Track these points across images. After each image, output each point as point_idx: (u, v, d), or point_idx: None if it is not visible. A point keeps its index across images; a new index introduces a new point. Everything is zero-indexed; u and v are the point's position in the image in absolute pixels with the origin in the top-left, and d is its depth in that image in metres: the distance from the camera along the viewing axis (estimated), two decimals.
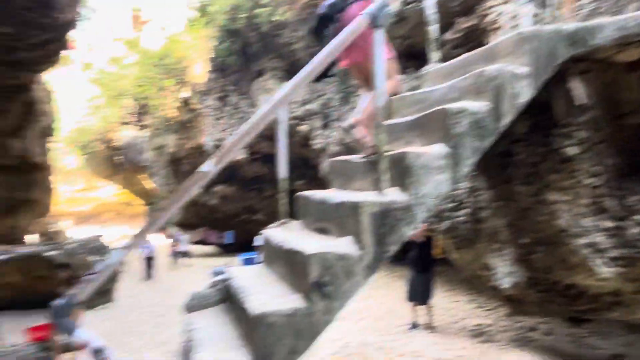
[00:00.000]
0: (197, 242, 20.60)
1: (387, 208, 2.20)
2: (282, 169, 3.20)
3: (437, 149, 2.35)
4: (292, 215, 3.33)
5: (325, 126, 11.13)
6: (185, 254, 17.40)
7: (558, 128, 2.78)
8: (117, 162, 26.85)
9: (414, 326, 7.04)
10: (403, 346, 6.22)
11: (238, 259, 14.12)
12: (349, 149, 10.23)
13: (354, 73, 3.29)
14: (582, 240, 2.80)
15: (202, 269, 14.73)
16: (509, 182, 3.05)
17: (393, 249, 2.23)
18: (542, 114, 2.81)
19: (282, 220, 3.17)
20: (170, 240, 17.93)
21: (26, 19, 10.98)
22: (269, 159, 15.59)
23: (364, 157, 2.74)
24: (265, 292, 2.37)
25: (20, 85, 15.00)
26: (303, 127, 11.68)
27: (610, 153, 2.71)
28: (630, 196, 2.68)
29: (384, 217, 2.20)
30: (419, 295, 7.12)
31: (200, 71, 16.43)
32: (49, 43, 12.39)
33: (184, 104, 18.27)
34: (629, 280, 2.80)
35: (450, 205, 4.07)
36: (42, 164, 19.40)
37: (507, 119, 2.48)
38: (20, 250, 10.57)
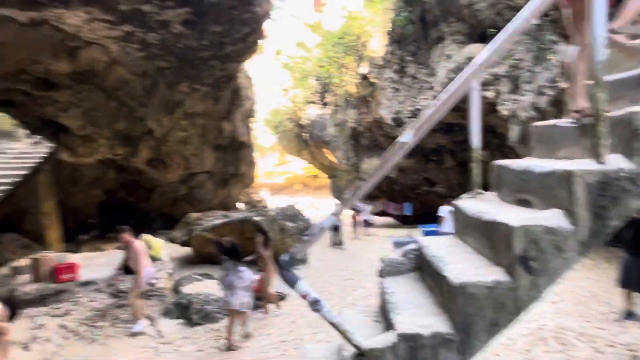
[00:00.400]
0: (375, 214, 21.33)
1: (609, 177, 1.94)
2: (475, 138, 3.07)
3: None
4: (484, 186, 3.19)
5: (514, 90, 10.17)
6: (369, 224, 17.81)
7: None
8: (304, 139, 29.35)
9: (629, 315, 6.08)
10: (612, 336, 5.45)
11: (420, 230, 14.19)
12: (543, 113, 9.17)
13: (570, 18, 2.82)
14: None
15: (382, 239, 15.26)
16: None
17: (614, 224, 1.97)
18: None
19: (476, 191, 3.06)
20: (352, 211, 18.71)
21: (232, 16, 12.66)
22: (450, 128, 15.06)
23: (576, 120, 2.43)
24: (462, 262, 2.36)
25: (229, 75, 17.45)
26: (488, 93, 10.90)
27: None
28: None
29: (604, 188, 1.94)
30: (635, 281, 6.09)
31: (378, 45, 16.62)
32: (249, 35, 14.08)
33: (362, 79, 18.82)
34: None
35: None
36: (247, 142, 22.46)
37: None
38: (235, 215, 12.53)
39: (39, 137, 16.43)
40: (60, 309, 6.74)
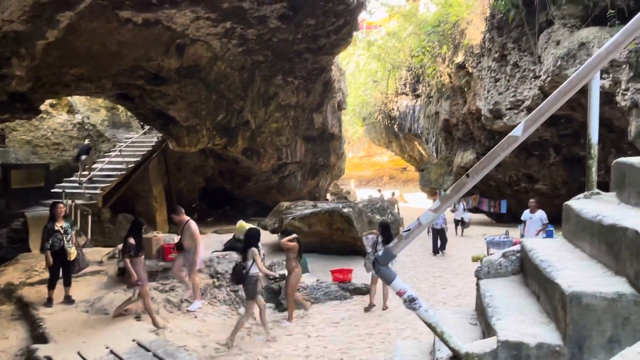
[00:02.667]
0: (469, 210, 20.40)
1: None
2: (594, 132, 2.77)
3: None
4: (601, 186, 2.88)
5: (635, 78, 9.04)
6: (464, 223, 15.87)
7: None
8: (394, 131, 28.90)
9: None
10: None
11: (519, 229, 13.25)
12: None
13: None
14: None
15: (474, 237, 14.57)
16: None
17: None
18: None
19: (593, 191, 2.78)
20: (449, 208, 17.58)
21: (326, 9, 12.79)
22: (555, 121, 13.86)
23: None
24: (575, 269, 2.15)
25: (321, 68, 17.72)
26: (604, 82, 9.82)
27: None
28: None
29: None
30: None
31: (475, 33, 15.76)
32: (343, 27, 14.14)
33: (458, 68, 18.00)
34: None
35: None
36: (337, 133, 22.69)
37: None
38: (323, 205, 12.75)
39: (150, 127, 18.10)
40: (167, 284, 7.38)
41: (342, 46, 16.03)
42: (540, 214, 9.08)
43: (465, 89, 17.68)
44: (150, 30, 11.79)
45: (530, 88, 12.80)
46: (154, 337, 5.61)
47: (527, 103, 13.07)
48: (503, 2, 13.58)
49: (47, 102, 15.72)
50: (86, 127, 18.12)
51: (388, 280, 2.00)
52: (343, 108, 23.64)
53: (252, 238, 6.59)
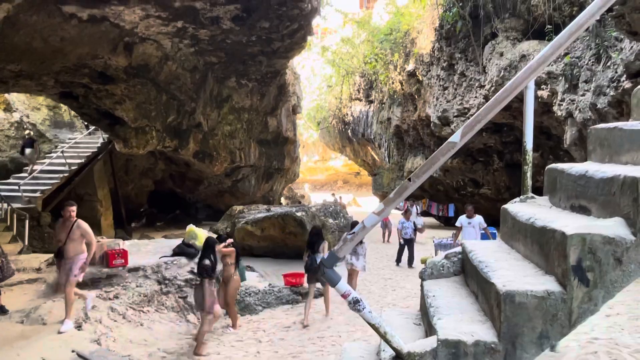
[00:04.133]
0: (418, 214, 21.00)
1: None
2: (529, 139, 2.94)
3: None
4: (534, 190, 3.06)
5: (570, 90, 9.66)
6: (417, 229, 13.70)
7: None
8: (348, 135, 29.27)
9: None
10: None
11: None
12: (602, 115, 8.66)
13: None
14: None
15: (423, 240, 14.99)
16: None
17: None
18: None
19: (527, 195, 2.93)
20: (400, 211, 16.43)
21: (280, 13, 12.77)
22: (498, 129, 14.55)
23: None
24: (510, 269, 2.26)
25: (276, 71, 17.66)
26: (543, 92, 10.43)
27: None
28: None
29: None
30: None
31: (425, 42, 16.28)
32: (297, 32, 14.16)
33: (409, 76, 18.51)
34: None
35: None
36: (291, 137, 22.68)
37: None
38: (277, 209, 12.69)
39: (95, 128, 17.32)
40: (111, 292, 7.07)
41: (297, 50, 16.05)
42: (479, 219, 9.17)
43: (416, 96, 18.21)
44: (97, 27, 11.31)
45: (475, 97, 13.38)
46: (96, 347, 5.34)
47: (472, 111, 13.65)
48: (451, 14, 14.13)
49: None
50: (25, 126, 17.08)
51: (333, 282, 2.02)
52: (298, 112, 23.69)
53: (210, 246, 6.37)
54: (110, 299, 6.93)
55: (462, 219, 9.43)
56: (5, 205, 11.89)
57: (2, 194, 12.99)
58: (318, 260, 6.30)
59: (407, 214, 12.39)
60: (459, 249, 3.03)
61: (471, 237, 8.75)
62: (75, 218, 6.46)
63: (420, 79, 17.31)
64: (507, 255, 2.59)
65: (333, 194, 26.27)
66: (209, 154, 18.18)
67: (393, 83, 20.38)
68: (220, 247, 6.73)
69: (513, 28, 12.24)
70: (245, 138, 19.63)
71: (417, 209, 14.86)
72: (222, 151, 18.52)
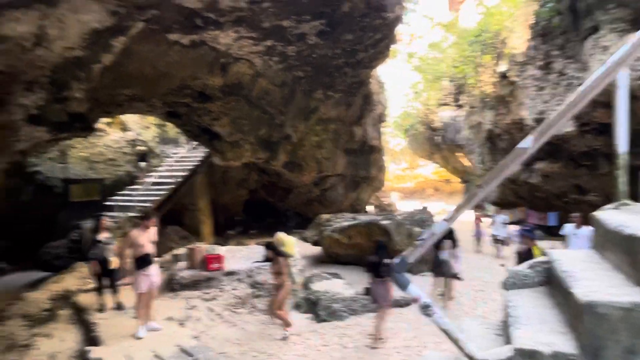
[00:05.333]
0: (514, 223, 19.75)
1: None
2: (622, 141, 2.75)
3: None
4: (634, 196, 2.84)
5: None
6: (501, 242, 13.37)
7: None
8: (436, 142, 28.51)
9: None
10: None
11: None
12: None
13: None
14: None
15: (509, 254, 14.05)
16: None
17: None
18: None
19: (621, 202, 2.74)
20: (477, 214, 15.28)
21: (364, 24, 12.98)
22: (605, 129, 13.24)
23: None
24: (595, 279, 2.15)
25: (360, 81, 17.87)
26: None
27: None
28: None
29: None
30: None
31: (518, 41, 15.43)
32: (381, 41, 14.27)
33: (501, 78, 17.63)
34: None
35: None
36: (377, 146, 22.70)
37: None
38: (362, 218, 12.80)
39: (196, 143, 18.88)
40: (209, 294, 7.68)
41: (381, 60, 16.13)
42: (588, 230, 8.30)
43: (509, 99, 17.26)
44: (197, 51, 12.41)
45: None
46: (196, 343, 5.86)
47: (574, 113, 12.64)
48: (547, 9, 13.26)
49: (103, 120, 16.82)
50: (138, 143, 19.15)
51: (403, 286, 2.08)
52: (383, 120, 23.65)
53: (383, 247, 7.13)
54: (208, 300, 7.53)
55: (568, 228, 8.73)
56: (121, 214, 13.42)
57: (119, 204, 14.67)
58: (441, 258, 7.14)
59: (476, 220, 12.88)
60: (544, 258, 2.90)
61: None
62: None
63: (514, 80, 16.40)
64: (596, 265, 2.45)
65: (423, 205, 25.64)
66: (297, 164, 18.85)
67: (484, 86, 19.54)
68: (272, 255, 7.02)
69: (619, 19, 11.15)
70: (332, 148, 20.03)
71: (503, 219, 13.39)
72: (310, 161, 19.10)
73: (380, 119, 23.15)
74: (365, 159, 22.42)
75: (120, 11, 9.28)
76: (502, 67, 17.23)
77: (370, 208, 28.92)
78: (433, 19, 24.92)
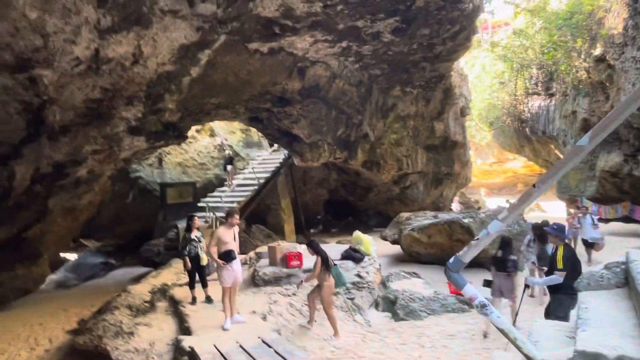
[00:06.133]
0: (614, 220, 17.97)
1: None
2: None
3: None
4: None
5: None
6: (590, 245, 11.40)
7: None
8: (525, 134, 26.80)
9: None
10: None
11: None
12: None
13: None
14: None
15: (616, 249, 12.77)
16: None
17: None
18: None
19: None
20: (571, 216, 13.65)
21: (439, 17, 12.67)
22: None
23: None
24: None
25: (440, 75, 17.42)
26: None
27: None
28: None
29: None
30: None
31: (616, 21, 14.05)
32: (459, 33, 13.82)
33: (597, 62, 16.16)
34: None
35: None
36: (460, 141, 21.92)
37: None
38: (444, 216, 12.51)
39: (277, 145, 19.66)
40: (289, 289, 8.03)
41: (461, 52, 15.59)
42: None
43: (607, 84, 15.75)
44: (275, 58, 12.96)
45: None
46: (276, 336, 6.20)
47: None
48: None
49: (194, 128, 18.18)
50: (224, 147, 20.40)
51: (459, 286, 2.11)
52: (466, 114, 22.77)
53: (509, 243, 7.06)
54: (289, 295, 7.88)
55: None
56: (211, 214, 14.43)
57: (209, 204, 15.77)
58: (549, 252, 6.45)
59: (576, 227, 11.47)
60: (622, 258, 2.72)
61: None
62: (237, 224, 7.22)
63: (612, 63, 14.94)
64: None
65: (507, 201, 24.25)
66: (376, 162, 18.85)
67: (577, 72, 18.02)
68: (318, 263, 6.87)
69: None
70: (412, 145, 19.73)
71: (592, 219, 11.57)
72: (388, 159, 19.00)
73: (463, 112, 22.32)
74: (447, 154, 21.77)
75: (205, 26, 10.02)
76: (598, 50, 15.79)
77: (455, 205, 27.96)
78: (518, 5, 23.43)
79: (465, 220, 11.17)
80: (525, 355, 1.94)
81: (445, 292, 8.52)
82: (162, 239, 15.14)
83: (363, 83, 16.14)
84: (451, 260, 2.07)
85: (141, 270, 14.63)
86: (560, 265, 5.08)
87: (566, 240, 5.77)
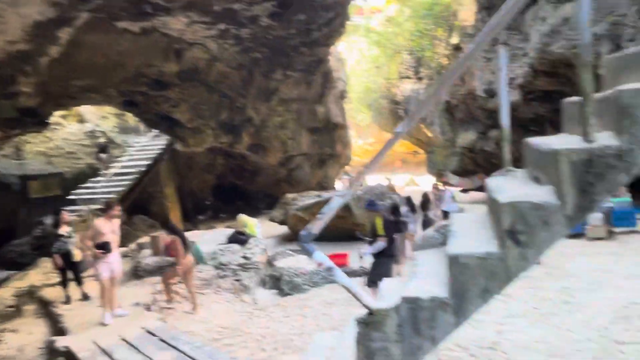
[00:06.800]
0: (472, 190, 20.56)
1: (594, 155, 2.02)
2: (505, 115, 3.17)
3: None
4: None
5: (614, 51, 9.18)
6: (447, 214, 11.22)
7: None
8: (400, 115, 29.03)
9: None
10: None
11: None
12: None
13: None
14: None
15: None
16: None
17: (600, 198, 2.05)
18: None
19: (506, 169, 3.17)
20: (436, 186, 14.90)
21: (314, 4, 13.12)
22: (548, 97, 13.95)
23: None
24: (471, 237, 2.57)
25: (319, 60, 18.04)
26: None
27: None
28: None
29: (588, 165, 2.03)
30: None
31: (467, 14, 15.87)
32: (334, 19, 14.45)
33: (455, 50, 18.12)
34: None
35: None
36: (341, 123, 23.01)
37: None
38: (325, 195, 13.22)
39: (157, 131, 18.75)
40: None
41: (337, 37, 16.34)
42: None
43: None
44: (149, 38, 12.32)
45: (520, 66, 12.94)
46: (160, 323, 6.18)
47: (518, 81, 13.23)
48: None
49: (58, 113, 16.48)
50: (97, 134, 18.87)
51: (309, 254, 2.44)
52: (345, 97, 23.91)
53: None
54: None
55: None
56: (84, 207, 13.40)
57: (82, 197, 14.60)
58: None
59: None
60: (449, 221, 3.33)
61: None
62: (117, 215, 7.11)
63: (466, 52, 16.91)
64: (480, 224, 2.87)
65: (387, 179, 26.23)
66: (262, 146, 19.04)
67: (440, 59, 20.02)
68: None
69: None
70: (296, 127, 20.25)
71: (451, 193, 12.68)
72: (274, 142, 19.31)
73: (342, 95, 23.43)
74: (329, 136, 22.76)
75: (62, 2, 9.16)
76: (455, 39, 17.69)
77: (340, 185, 29.41)
78: None
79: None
80: (364, 306, 2.33)
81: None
82: (27, 238, 13.67)
83: (244, 66, 16.09)
84: (303, 232, 2.38)
85: (4, 274, 13.09)
86: (381, 232, 6.28)
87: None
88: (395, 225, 7.81)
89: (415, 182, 34.65)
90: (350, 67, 30.64)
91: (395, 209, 8.80)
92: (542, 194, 2.20)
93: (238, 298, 7.90)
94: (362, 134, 44.55)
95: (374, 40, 27.09)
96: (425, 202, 12.11)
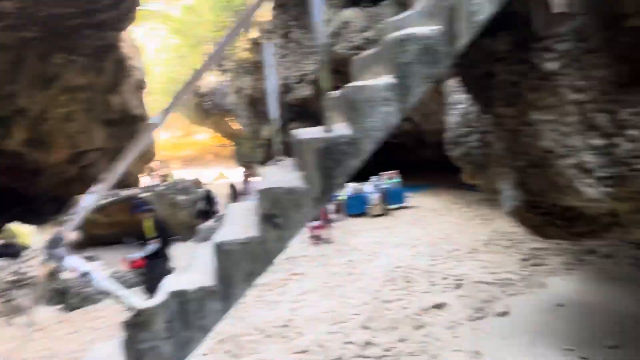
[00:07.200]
0: None
1: (331, 143, 2.31)
2: (273, 108, 3.38)
3: (383, 81, 2.36)
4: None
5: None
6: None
7: (538, 42, 2.52)
8: (206, 108, 28.57)
9: None
10: (448, 270, 6.33)
11: None
12: None
13: None
14: (568, 161, 2.61)
15: None
16: (493, 105, 2.90)
17: (340, 181, 2.36)
18: (522, 28, 2.55)
19: (277, 158, 3.40)
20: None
21: None
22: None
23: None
24: (238, 224, 2.67)
25: (109, 45, 16.37)
26: None
27: (601, 64, 2.42)
28: (624, 109, 2.39)
29: (328, 152, 2.31)
30: None
31: (264, 10, 16.47)
32: (121, 2, 13.25)
33: (254, 44, 18.59)
34: (620, 200, 2.58)
35: (464, 130, 3.94)
36: (141, 115, 21.39)
37: (463, 40, 2.35)
38: (122, 193, 12.16)
39: None
40: None
41: (127, 22, 15.08)
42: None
43: (262, 65, 18.43)
44: None
45: (311, 63, 14.09)
46: None
47: (310, 77, 14.37)
48: None
49: None
50: None
51: (58, 260, 2.20)
52: (143, 87, 22.34)
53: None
54: None
55: None
56: None
57: None
58: None
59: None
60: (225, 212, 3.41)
61: None
62: None
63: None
64: (250, 213, 3.02)
65: (195, 177, 25.30)
66: (42, 141, 16.43)
67: (241, 52, 20.30)
68: None
69: None
70: (86, 120, 18.05)
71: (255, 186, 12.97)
72: (58, 137, 16.88)
73: (141, 85, 21.79)
74: (129, 129, 20.93)
75: None
76: (254, 34, 18.17)
77: (148, 180, 27.35)
78: None
79: (144, 195, 11.23)
80: (130, 308, 2.21)
81: (123, 270, 8.43)
82: None
83: (12, 47, 13.55)
84: (52, 236, 2.12)
85: None
86: (151, 234, 5.88)
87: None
88: (167, 225, 7.23)
89: (224, 175, 34.65)
90: (151, 56, 28.74)
91: (209, 199, 8.95)
92: (295, 179, 2.43)
93: (9, 322, 6.71)
94: (169, 127, 42.37)
95: (174, 28, 25.89)
96: (233, 193, 12.33)
